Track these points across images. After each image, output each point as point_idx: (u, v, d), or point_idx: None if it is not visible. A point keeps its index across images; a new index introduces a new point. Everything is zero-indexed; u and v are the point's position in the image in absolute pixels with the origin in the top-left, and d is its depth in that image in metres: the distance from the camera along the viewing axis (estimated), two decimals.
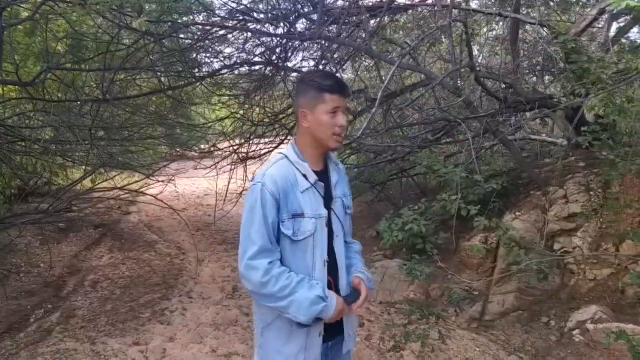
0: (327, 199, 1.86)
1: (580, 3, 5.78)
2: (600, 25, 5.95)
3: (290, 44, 5.89)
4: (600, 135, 4.11)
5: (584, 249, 4.25)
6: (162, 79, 5.86)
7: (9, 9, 4.52)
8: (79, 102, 5.60)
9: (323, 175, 1.88)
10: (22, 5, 4.93)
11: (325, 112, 1.76)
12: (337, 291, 1.85)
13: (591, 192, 4.46)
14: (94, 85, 6.15)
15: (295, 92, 1.91)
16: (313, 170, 1.82)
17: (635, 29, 6.34)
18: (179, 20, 5.17)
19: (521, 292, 4.19)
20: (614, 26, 5.77)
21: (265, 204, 1.72)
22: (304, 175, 1.80)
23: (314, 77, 1.81)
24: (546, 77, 6.36)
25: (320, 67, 5.89)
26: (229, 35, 5.94)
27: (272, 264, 1.72)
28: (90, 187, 7.18)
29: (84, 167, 6.98)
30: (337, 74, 2.01)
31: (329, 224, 1.85)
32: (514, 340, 3.87)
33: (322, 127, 1.78)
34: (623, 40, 5.51)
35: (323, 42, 5.63)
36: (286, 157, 1.83)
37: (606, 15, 5.29)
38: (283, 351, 1.81)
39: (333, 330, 1.89)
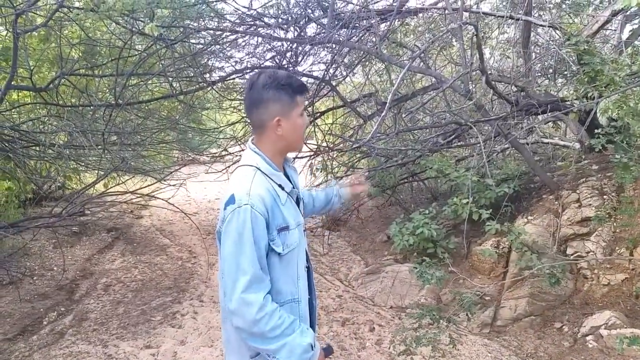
0: (297, 203, 1.83)
1: (593, 5, 5.73)
2: (613, 28, 5.90)
3: (300, 48, 5.91)
4: (613, 138, 4.06)
5: (598, 253, 4.20)
6: (174, 84, 5.91)
7: (24, 15, 4.59)
8: (92, 108, 5.66)
9: (287, 177, 1.83)
10: (36, 12, 5.01)
11: (298, 116, 1.68)
12: (312, 289, 1.88)
13: (605, 196, 4.41)
14: (107, 91, 6.22)
15: (256, 102, 1.67)
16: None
17: None
18: (191, 26, 5.22)
19: (534, 297, 4.15)
20: (627, 28, 5.71)
21: (257, 227, 1.56)
22: (280, 186, 1.69)
23: (279, 81, 1.63)
24: (559, 80, 6.30)
25: (331, 70, 5.89)
26: (240, 40, 5.98)
27: (266, 299, 1.57)
28: (103, 191, 7.24)
29: (97, 171, 7.05)
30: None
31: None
32: (526, 346, 3.82)
33: (297, 131, 1.69)
34: (637, 43, 5.45)
35: (333, 46, 5.64)
36: (259, 169, 1.67)
37: (619, 17, 5.24)
38: None
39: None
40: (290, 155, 1.91)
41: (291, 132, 1.68)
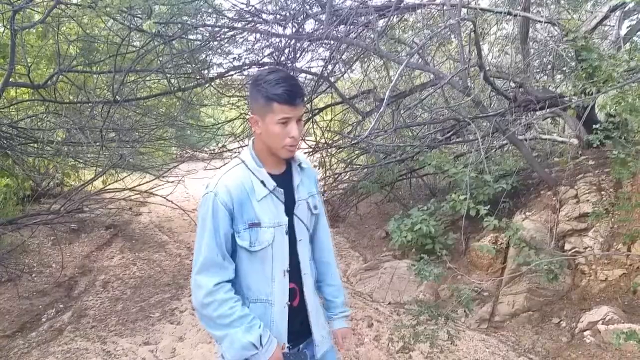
0: (289, 204, 1.75)
1: (591, 1, 5.72)
2: (611, 23, 5.89)
3: (298, 44, 5.90)
4: (611, 133, 4.07)
5: (596, 249, 4.21)
6: (172, 80, 5.90)
7: (21, 12, 4.58)
8: (90, 104, 5.65)
9: (284, 178, 1.77)
10: (34, 9, 5.00)
11: (274, 123, 1.61)
12: (302, 298, 1.81)
13: (602, 192, 4.41)
14: (105, 88, 6.21)
15: (249, 94, 1.74)
16: (272, 175, 1.72)
17: None
18: (189, 22, 5.21)
19: (531, 292, 4.16)
20: (625, 24, 5.71)
21: (217, 215, 1.61)
22: (262, 182, 1.68)
23: (263, 81, 1.61)
24: (557, 76, 6.30)
25: (330, 66, 5.88)
26: (238, 37, 5.97)
27: (220, 287, 1.61)
28: (101, 188, 7.24)
29: (95, 168, 7.05)
30: (291, 75, 1.74)
31: (290, 231, 1.75)
32: (524, 342, 3.84)
33: (272, 137, 1.64)
34: (635, 38, 5.45)
35: (331, 42, 5.63)
36: (243, 162, 1.71)
37: (617, 13, 5.24)
38: None
39: (301, 334, 1.82)
40: (301, 156, 1.84)
41: (266, 135, 1.66)
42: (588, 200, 4.40)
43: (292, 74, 6.32)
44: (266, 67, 1.76)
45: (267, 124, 1.63)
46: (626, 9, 5.09)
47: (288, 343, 1.75)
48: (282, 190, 1.72)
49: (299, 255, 1.79)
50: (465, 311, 4.25)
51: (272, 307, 1.72)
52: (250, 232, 1.65)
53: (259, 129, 1.66)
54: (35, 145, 6.03)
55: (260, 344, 1.63)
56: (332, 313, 1.96)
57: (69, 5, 4.60)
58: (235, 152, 7.66)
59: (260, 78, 1.64)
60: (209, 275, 1.62)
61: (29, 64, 5.12)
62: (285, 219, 1.72)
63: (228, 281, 1.65)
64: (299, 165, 1.82)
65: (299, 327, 1.80)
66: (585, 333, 3.72)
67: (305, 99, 1.82)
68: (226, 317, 1.61)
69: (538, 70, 6.19)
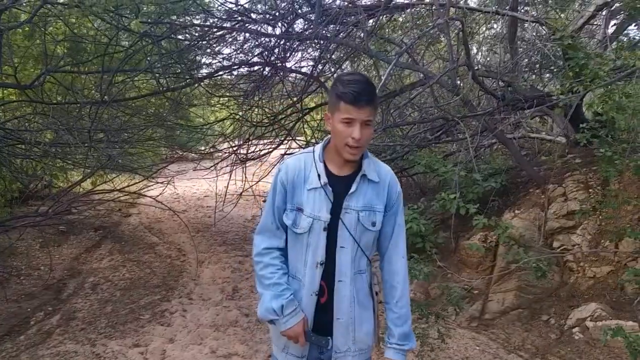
0: (336, 207, 1.77)
1: (578, 1, 5.78)
2: (598, 23, 5.95)
3: (288, 44, 5.90)
4: (598, 132, 4.10)
5: (584, 246, 4.25)
6: (161, 80, 5.87)
7: (7, 12, 4.53)
8: (78, 105, 5.61)
9: (343, 181, 1.79)
10: (20, 9, 4.95)
11: (339, 121, 1.68)
12: (331, 300, 1.80)
13: (590, 190, 4.46)
14: (93, 88, 6.16)
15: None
16: (334, 174, 1.78)
17: (633, 26, 6.34)
18: (177, 22, 5.18)
19: (521, 290, 4.19)
20: (612, 23, 5.77)
21: (275, 188, 1.83)
22: (319, 175, 1.77)
23: (339, 81, 1.71)
24: (545, 75, 6.36)
25: (320, 66, 5.88)
26: (227, 36, 5.95)
27: (268, 251, 1.84)
28: (90, 189, 7.19)
29: (83, 169, 6.99)
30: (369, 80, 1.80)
31: (330, 230, 1.77)
32: (514, 339, 3.87)
33: (336, 135, 1.71)
34: (621, 37, 5.51)
35: (321, 42, 5.63)
36: (313, 151, 1.83)
37: (604, 13, 5.29)
38: (277, 343, 1.92)
39: (326, 332, 1.84)
40: (370, 169, 1.81)
41: (333, 132, 1.75)
42: (576, 198, 4.44)
43: (281, 73, 6.38)
44: (347, 71, 1.93)
45: (334, 121, 1.72)
46: (612, 8, 5.14)
47: (312, 331, 1.83)
48: (331, 189, 1.77)
49: (336, 260, 1.78)
50: (455, 309, 4.27)
51: (302, 289, 1.82)
52: (295, 214, 1.79)
53: (329, 126, 1.76)
54: (23, 147, 5.96)
55: (282, 313, 1.77)
56: (388, 341, 1.87)
57: (55, 5, 4.55)
58: (225, 152, 7.65)
59: (338, 77, 1.77)
60: (262, 239, 1.87)
61: (16, 65, 5.07)
62: (327, 217, 1.77)
63: (278, 248, 1.86)
64: (364, 175, 1.79)
65: (325, 325, 1.84)
66: (574, 330, 3.75)
67: (376, 106, 1.79)
68: (266, 279, 1.81)
69: (526, 69, 6.24)
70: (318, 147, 1.83)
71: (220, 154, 8.02)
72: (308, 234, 1.78)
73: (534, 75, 6.41)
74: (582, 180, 4.56)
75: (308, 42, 5.87)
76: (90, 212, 7.69)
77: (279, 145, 7.30)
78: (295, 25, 5.84)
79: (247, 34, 5.86)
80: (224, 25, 5.66)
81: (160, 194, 7.24)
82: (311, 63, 6.39)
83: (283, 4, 5.63)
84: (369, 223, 1.79)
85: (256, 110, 7.28)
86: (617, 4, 4.95)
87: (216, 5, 5.54)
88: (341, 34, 5.56)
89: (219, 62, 6.35)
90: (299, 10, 5.58)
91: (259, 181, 7.05)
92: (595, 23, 5.93)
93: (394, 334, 1.84)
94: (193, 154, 9.47)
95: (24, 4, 4.89)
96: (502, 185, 4.82)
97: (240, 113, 7.43)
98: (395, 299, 1.85)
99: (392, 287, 1.87)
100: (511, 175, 5.41)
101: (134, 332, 4.10)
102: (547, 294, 4.21)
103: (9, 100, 5.92)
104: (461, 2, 5.56)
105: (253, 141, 7.38)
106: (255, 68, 6.44)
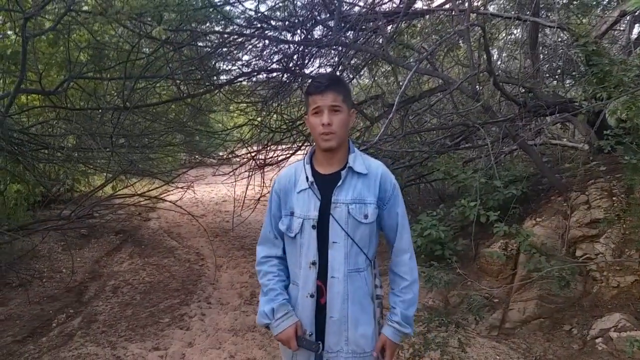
0: (325, 203, 1.79)
1: (601, 6, 5.69)
2: (622, 28, 5.86)
3: (307, 50, 5.92)
4: (622, 139, 4.03)
5: (607, 255, 4.16)
6: (182, 87, 5.93)
7: (32, 19, 4.63)
8: (100, 110, 5.70)
9: (330, 178, 1.82)
10: (45, 16, 5.05)
11: (311, 115, 1.79)
12: (324, 298, 1.81)
13: (614, 198, 4.37)
14: (115, 94, 6.26)
15: None
16: (321, 173, 1.84)
17: None
18: (198, 29, 5.23)
19: (542, 299, 4.12)
20: (636, 29, 5.67)
21: (272, 199, 1.93)
22: (306, 177, 1.84)
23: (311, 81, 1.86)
24: (567, 81, 6.27)
25: (338, 72, 5.89)
26: (247, 43, 5.99)
27: (267, 260, 1.94)
28: (111, 193, 7.29)
29: (105, 174, 7.10)
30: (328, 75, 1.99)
31: (322, 227, 1.78)
32: (535, 349, 3.80)
33: (312, 128, 1.81)
34: None
35: (340, 48, 5.64)
36: (304, 157, 1.92)
37: (628, 18, 5.21)
38: (284, 353, 1.96)
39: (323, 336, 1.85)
40: (356, 161, 1.84)
41: (309, 128, 1.84)
42: (599, 206, 4.36)
43: (300, 79, 6.40)
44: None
45: (308, 119, 1.82)
46: (637, 13, 5.06)
47: (312, 335, 1.84)
48: (317, 187, 1.82)
49: (329, 256, 1.79)
50: (475, 318, 4.22)
51: (299, 292, 1.86)
52: (289, 219, 1.85)
53: (308, 127, 1.86)
54: (46, 152, 6.08)
55: (273, 316, 1.83)
56: (389, 318, 1.87)
57: (79, 13, 4.64)
58: (243, 158, 7.70)
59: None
60: (261, 248, 1.97)
61: (40, 71, 5.17)
62: (315, 214, 1.79)
63: (276, 257, 1.94)
64: (351, 168, 1.81)
65: (324, 326, 1.84)
66: (597, 340, 3.67)
67: (342, 92, 1.82)
68: (264, 286, 1.91)
69: (548, 75, 6.17)
70: (307, 153, 1.94)
71: (238, 159, 8.07)
72: (300, 234, 1.82)
73: (555, 81, 6.33)
74: (605, 188, 4.47)
75: (327, 48, 5.88)
76: (111, 216, 7.81)
77: (296, 150, 7.32)
78: (314, 32, 5.87)
79: (267, 41, 5.90)
80: (244, 32, 5.70)
81: (179, 198, 7.30)
82: (330, 69, 6.40)
83: (302, 11, 5.65)
84: (360, 216, 1.79)
85: (274, 116, 7.31)
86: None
87: (236, 13, 5.59)
88: (360, 40, 5.56)
89: (239, 68, 6.40)
90: (318, 17, 5.61)
91: None
92: (618, 28, 5.84)
93: (397, 314, 1.85)
94: (212, 159, 9.54)
95: (48, 12, 5.00)
96: (523, 192, 4.76)
97: (259, 119, 7.47)
98: (400, 286, 1.89)
99: (396, 274, 1.92)
100: (532, 183, 5.34)
101: (153, 335, 4.13)
102: (570, 303, 4.13)
103: (33, 106, 6.04)
104: (481, 8, 5.52)
105: (271, 147, 7.41)
106: (274, 74, 6.48)
